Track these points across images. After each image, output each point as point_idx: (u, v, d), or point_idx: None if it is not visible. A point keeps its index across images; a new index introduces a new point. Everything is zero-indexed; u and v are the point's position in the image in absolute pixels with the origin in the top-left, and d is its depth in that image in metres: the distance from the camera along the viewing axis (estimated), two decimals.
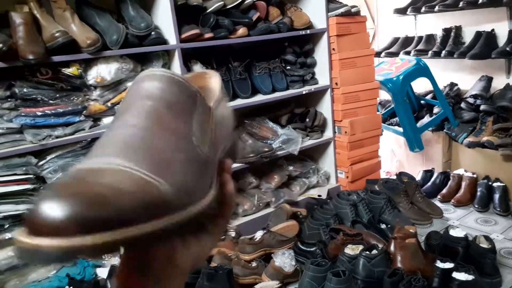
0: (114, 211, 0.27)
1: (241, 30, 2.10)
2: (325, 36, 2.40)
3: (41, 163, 1.70)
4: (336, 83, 2.44)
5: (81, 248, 0.26)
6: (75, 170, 0.32)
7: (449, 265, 1.58)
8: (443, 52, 2.89)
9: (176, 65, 1.92)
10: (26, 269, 1.69)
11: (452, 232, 1.82)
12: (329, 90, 2.46)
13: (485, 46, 2.72)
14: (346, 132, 2.47)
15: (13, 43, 1.52)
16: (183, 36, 1.90)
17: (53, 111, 1.66)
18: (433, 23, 3.20)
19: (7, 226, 1.60)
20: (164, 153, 0.36)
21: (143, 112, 0.38)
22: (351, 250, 1.75)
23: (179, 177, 0.35)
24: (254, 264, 1.81)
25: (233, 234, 1.96)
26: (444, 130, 2.82)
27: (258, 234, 1.91)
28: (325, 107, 2.53)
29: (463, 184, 2.53)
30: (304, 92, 2.38)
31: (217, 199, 0.41)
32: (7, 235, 1.58)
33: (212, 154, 0.42)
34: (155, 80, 0.40)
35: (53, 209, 0.26)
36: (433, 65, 2.93)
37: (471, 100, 2.81)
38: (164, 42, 1.89)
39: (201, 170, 0.39)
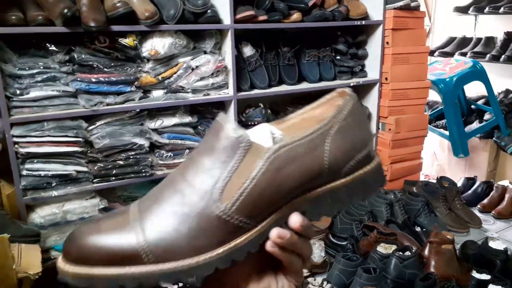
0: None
1: (296, 15, 2.07)
2: (380, 29, 2.33)
3: (90, 128, 1.76)
4: (386, 78, 2.38)
5: None
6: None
7: (485, 276, 1.54)
8: (503, 56, 2.76)
9: (228, 45, 1.93)
10: (67, 227, 1.77)
11: (492, 244, 1.76)
12: (377, 85, 2.41)
13: None
14: (390, 129, 2.41)
15: (77, 9, 1.57)
16: (238, 16, 1.90)
17: (106, 79, 1.71)
18: (494, 25, 3.04)
19: (54, 184, 1.68)
20: (163, 205, 0.38)
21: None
22: (383, 248, 1.73)
23: (161, 230, 0.37)
24: None
25: None
26: (493, 138, 2.70)
27: None
28: (371, 102, 2.47)
29: (507, 196, 2.43)
30: (351, 84, 2.33)
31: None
32: (54, 193, 1.66)
33: (235, 212, 0.37)
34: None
35: None
36: (490, 69, 2.80)
37: None
38: (219, 21, 1.89)
39: (200, 227, 0.37)
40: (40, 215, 1.68)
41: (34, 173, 1.64)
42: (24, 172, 1.62)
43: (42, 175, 1.65)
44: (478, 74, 2.68)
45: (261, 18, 1.96)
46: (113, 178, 1.79)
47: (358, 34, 2.39)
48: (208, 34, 1.93)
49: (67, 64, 1.68)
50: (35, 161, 1.64)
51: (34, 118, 1.62)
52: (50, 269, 1.60)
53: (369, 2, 2.34)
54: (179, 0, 1.79)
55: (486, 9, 2.84)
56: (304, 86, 2.24)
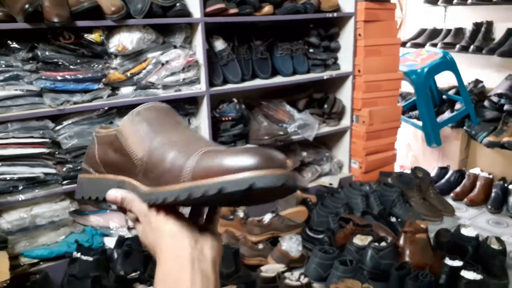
0: None
1: (267, 8, 2.05)
2: (352, 21, 2.33)
3: (57, 128, 1.70)
4: (359, 70, 2.39)
5: None
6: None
7: (458, 263, 1.57)
8: (472, 47, 2.81)
9: (199, 39, 1.89)
10: (36, 232, 1.71)
11: (464, 231, 1.79)
12: (350, 77, 2.41)
13: None
14: (364, 121, 2.43)
15: (39, 5, 1.51)
16: (208, 10, 1.86)
17: (73, 77, 1.66)
18: (463, 16, 3.10)
19: (21, 187, 1.62)
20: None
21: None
22: (359, 240, 1.74)
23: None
24: (260, 246, 1.82)
25: (241, 214, 1.96)
26: (464, 127, 2.76)
27: (267, 217, 1.90)
28: (345, 94, 2.48)
29: (478, 184, 2.48)
30: (325, 77, 2.33)
31: None
32: (21, 197, 1.60)
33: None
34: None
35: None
36: (460, 60, 2.85)
37: (495, 99, 2.74)
38: (188, 14, 1.86)
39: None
40: (7, 220, 1.62)
41: None
42: None
43: (8, 178, 1.59)
44: (448, 64, 2.72)
45: (232, 11, 1.93)
46: None
47: (330, 26, 2.39)
48: (178, 28, 1.89)
49: (31, 62, 1.62)
50: (0, 164, 1.58)
51: None
52: (19, 276, 1.55)
53: None
54: None
55: (455, 1, 2.88)
56: (278, 80, 2.23)
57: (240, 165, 0.41)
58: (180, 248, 0.45)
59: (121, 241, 1.73)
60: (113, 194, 0.52)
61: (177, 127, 0.52)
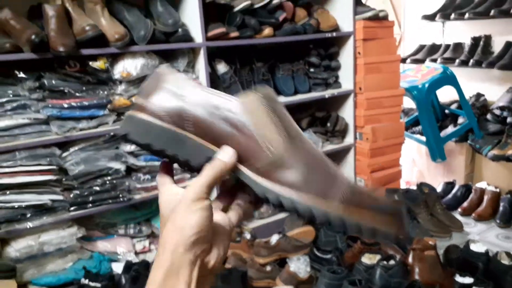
0: None
1: (267, 31, 2.09)
2: (351, 40, 2.37)
3: (64, 154, 1.72)
4: (360, 88, 2.41)
5: None
6: None
7: (468, 280, 1.55)
8: (471, 61, 2.83)
9: (201, 63, 1.93)
10: (44, 259, 1.72)
11: (473, 247, 1.77)
12: (352, 95, 2.43)
13: None
14: (367, 138, 2.44)
15: (45, 35, 1.54)
16: (209, 34, 1.90)
17: (78, 104, 1.69)
18: (461, 31, 3.13)
19: (29, 215, 1.63)
20: None
21: None
22: (368, 259, 1.72)
23: None
24: (268, 268, 1.80)
25: (248, 236, 1.95)
26: (468, 141, 2.76)
27: (274, 238, 1.90)
28: (347, 112, 2.50)
29: (485, 198, 2.47)
30: (326, 96, 2.35)
31: None
32: (29, 225, 1.61)
33: None
34: None
35: None
36: (460, 74, 2.87)
37: (497, 112, 2.75)
38: (191, 39, 1.89)
39: None
40: (15, 249, 1.63)
41: (7, 205, 1.59)
42: None
43: (16, 206, 1.60)
44: (448, 79, 2.74)
45: (233, 34, 1.97)
46: (90, 205, 1.74)
47: (330, 46, 2.43)
48: (181, 53, 1.93)
49: (37, 90, 1.65)
50: (8, 192, 1.60)
51: (5, 148, 1.58)
52: None
53: (338, 14, 2.38)
54: (149, 21, 1.79)
55: (452, 16, 2.92)
56: (280, 100, 2.24)
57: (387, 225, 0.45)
58: (181, 263, 0.42)
59: (128, 266, 1.72)
60: (231, 151, 0.46)
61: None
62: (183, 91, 0.48)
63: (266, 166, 0.46)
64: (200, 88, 0.49)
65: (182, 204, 0.42)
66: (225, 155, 0.45)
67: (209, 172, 0.44)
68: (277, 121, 0.47)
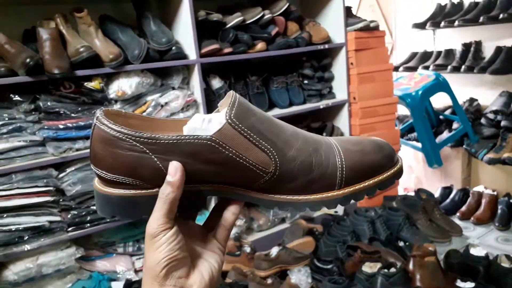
0: None
1: (260, 45, 2.11)
2: (343, 51, 2.40)
3: (61, 175, 1.72)
4: (354, 98, 2.43)
5: None
6: None
7: (470, 284, 1.55)
8: (463, 67, 2.87)
9: (196, 79, 1.94)
10: (43, 281, 1.71)
11: (473, 251, 1.78)
12: (346, 105, 2.45)
13: (505, 61, 2.68)
14: None
15: (40, 58, 1.56)
16: (203, 51, 1.92)
17: (74, 124, 1.69)
18: (452, 38, 3.18)
19: (27, 237, 1.62)
20: None
21: None
22: (369, 268, 1.72)
23: None
24: (269, 280, 1.79)
25: (248, 249, 1.95)
26: (464, 146, 2.77)
27: (274, 250, 1.89)
28: (342, 122, 2.51)
29: (483, 201, 2.48)
30: (321, 107, 2.37)
31: None
32: (27, 247, 1.60)
33: None
34: None
35: None
36: (452, 80, 2.90)
37: (491, 116, 2.77)
38: (184, 57, 1.91)
39: None
40: (13, 272, 1.61)
41: (5, 228, 1.58)
42: None
43: (13, 229, 1.60)
44: (441, 85, 2.77)
45: (226, 50, 1.99)
46: (88, 224, 1.74)
47: (323, 57, 2.45)
48: (175, 70, 1.95)
49: (33, 113, 1.66)
50: (5, 215, 1.59)
51: (1, 171, 1.58)
52: None
53: (330, 26, 2.41)
54: (143, 40, 1.81)
55: (442, 24, 2.96)
56: (275, 112, 2.27)
57: (385, 163, 0.50)
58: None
59: (128, 284, 1.71)
60: (173, 168, 0.43)
61: (273, 119, 0.50)
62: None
63: (265, 184, 0.46)
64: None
65: (146, 243, 0.43)
66: (169, 176, 0.43)
67: (160, 202, 0.43)
68: (256, 137, 0.45)
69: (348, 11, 2.47)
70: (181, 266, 0.43)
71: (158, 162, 0.43)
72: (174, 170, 0.43)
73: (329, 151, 0.49)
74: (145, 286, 0.43)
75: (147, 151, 0.43)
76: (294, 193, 0.47)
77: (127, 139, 0.43)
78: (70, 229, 1.71)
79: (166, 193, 0.43)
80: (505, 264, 1.70)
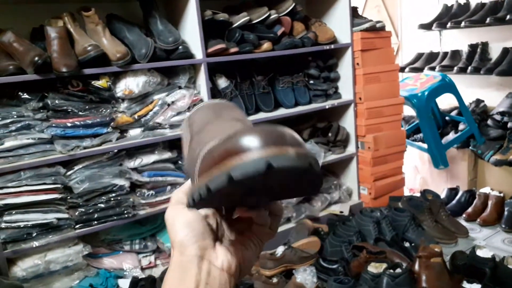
0: None
1: (266, 45, 2.12)
2: (349, 51, 2.40)
3: (69, 173, 1.73)
4: (360, 98, 2.43)
5: None
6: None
7: (476, 286, 1.54)
8: (469, 68, 2.85)
9: (202, 78, 1.95)
10: (51, 278, 1.72)
11: (479, 252, 1.77)
12: (352, 105, 2.45)
13: None
14: (369, 147, 2.45)
15: (48, 56, 1.57)
16: (209, 50, 1.93)
17: (82, 122, 1.71)
18: (458, 39, 3.16)
19: (35, 234, 1.64)
20: None
21: None
22: (374, 268, 1.72)
23: None
24: (275, 280, 1.80)
25: None
26: (470, 147, 2.76)
27: (280, 250, 1.90)
28: (348, 122, 2.51)
29: (490, 203, 2.46)
30: (327, 107, 2.37)
31: None
32: (35, 244, 1.61)
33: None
34: None
35: None
36: (459, 81, 2.89)
37: (498, 117, 2.76)
38: (191, 56, 1.92)
39: None
40: (22, 268, 1.63)
41: (13, 224, 1.60)
42: (3, 225, 1.59)
43: (22, 226, 1.61)
44: (447, 86, 2.76)
45: (233, 50, 2.00)
46: (95, 222, 1.75)
47: (329, 58, 2.46)
48: (182, 69, 1.96)
49: (41, 111, 1.68)
50: (14, 212, 1.61)
51: (10, 169, 1.59)
52: None
53: (336, 26, 2.41)
54: (150, 39, 1.82)
55: (448, 25, 2.95)
56: (281, 112, 2.27)
57: (249, 144, 0.33)
58: (185, 269, 0.43)
59: (135, 282, 1.72)
60: None
61: (216, 120, 0.51)
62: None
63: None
64: None
65: (168, 209, 0.47)
66: None
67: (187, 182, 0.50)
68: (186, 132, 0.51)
69: (354, 11, 2.47)
70: (203, 237, 0.45)
71: None
72: None
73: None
74: (173, 248, 0.46)
75: None
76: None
77: None
78: (77, 226, 1.73)
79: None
80: None
